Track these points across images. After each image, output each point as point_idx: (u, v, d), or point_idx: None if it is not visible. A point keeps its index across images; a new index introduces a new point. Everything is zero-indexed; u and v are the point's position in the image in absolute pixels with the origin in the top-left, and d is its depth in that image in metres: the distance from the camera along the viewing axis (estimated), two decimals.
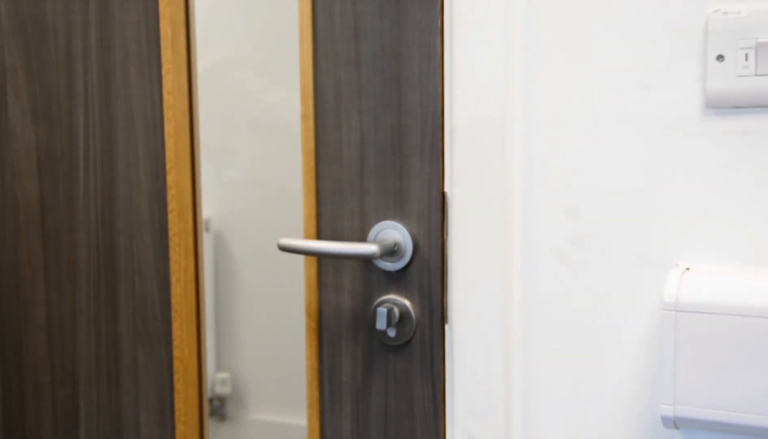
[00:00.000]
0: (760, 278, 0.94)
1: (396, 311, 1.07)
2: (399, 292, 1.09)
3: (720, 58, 0.97)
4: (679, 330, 0.93)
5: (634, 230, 1.01)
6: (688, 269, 0.98)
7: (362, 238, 1.10)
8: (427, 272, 1.07)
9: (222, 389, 2.54)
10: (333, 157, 1.11)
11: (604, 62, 1.02)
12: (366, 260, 1.09)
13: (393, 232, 1.07)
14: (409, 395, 1.11)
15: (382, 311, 1.06)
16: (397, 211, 1.08)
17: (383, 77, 1.07)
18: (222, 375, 2.54)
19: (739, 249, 0.97)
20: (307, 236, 1.13)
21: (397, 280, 1.09)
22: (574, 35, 1.03)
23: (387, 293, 1.10)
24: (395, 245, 1.06)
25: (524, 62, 1.05)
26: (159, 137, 1.21)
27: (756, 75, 0.95)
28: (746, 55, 0.95)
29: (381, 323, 1.06)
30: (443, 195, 1.06)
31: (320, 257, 1.10)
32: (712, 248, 0.98)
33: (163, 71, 1.19)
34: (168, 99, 1.20)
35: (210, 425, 2.59)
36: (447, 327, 1.10)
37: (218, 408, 2.58)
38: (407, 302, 1.09)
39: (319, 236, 1.13)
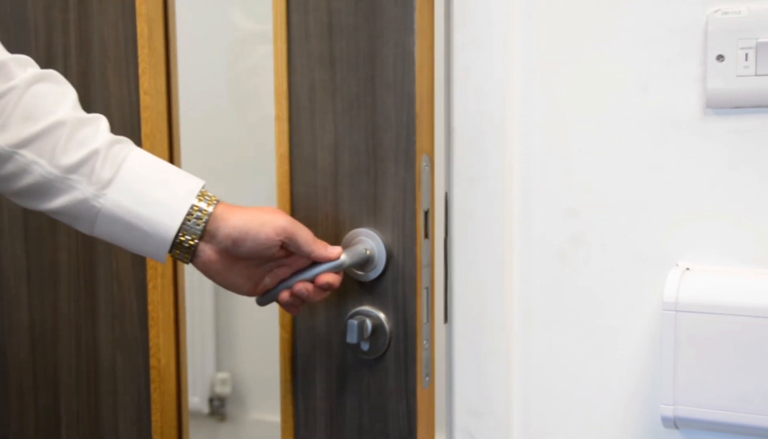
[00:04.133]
0: (760, 278, 0.94)
1: (368, 323, 1.02)
2: (373, 303, 1.04)
3: (720, 58, 0.97)
4: (679, 330, 0.93)
5: (634, 229, 1.01)
6: (688, 269, 0.98)
7: (336, 245, 1.05)
8: (401, 283, 1.02)
9: (222, 389, 2.52)
10: (307, 161, 1.06)
11: (604, 62, 1.02)
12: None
13: (366, 240, 1.02)
14: (384, 413, 1.05)
15: (352, 323, 1.00)
16: (372, 218, 1.03)
17: (357, 77, 1.02)
18: (222, 375, 2.52)
19: (739, 249, 0.97)
20: None
21: (370, 291, 1.04)
22: (573, 35, 1.03)
23: (361, 304, 1.04)
24: (367, 253, 1.01)
25: (524, 62, 1.05)
26: (136, 139, 1.17)
27: (756, 75, 0.95)
28: (746, 55, 0.95)
29: (351, 337, 1.00)
30: (418, 200, 1.00)
31: None
32: (712, 247, 0.98)
33: (140, 71, 1.16)
34: (145, 99, 1.16)
35: (210, 424, 2.59)
36: (447, 327, 1.10)
37: (218, 408, 2.56)
38: (381, 315, 1.03)
39: None
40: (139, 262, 1.20)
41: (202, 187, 0.93)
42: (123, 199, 0.89)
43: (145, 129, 1.16)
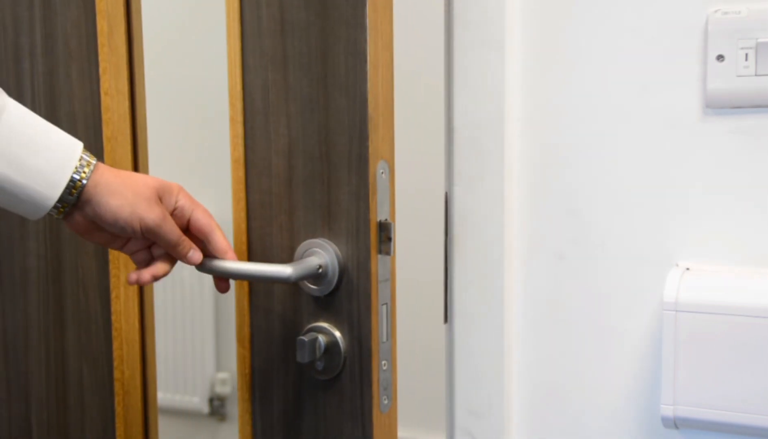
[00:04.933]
0: (760, 278, 0.94)
1: (321, 341, 0.95)
2: (329, 320, 0.97)
3: (720, 58, 0.96)
4: (679, 330, 0.94)
5: (634, 229, 1.01)
6: (688, 269, 0.98)
7: (291, 257, 0.98)
8: (356, 299, 0.94)
9: (222, 389, 2.53)
10: (262, 167, 0.99)
11: (604, 62, 1.02)
12: (289, 284, 0.96)
13: (320, 252, 0.95)
14: (340, 438, 0.98)
15: (302, 340, 0.93)
16: (326, 228, 0.95)
17: (310, 77, 0.94)
18: (222, 375, 2.53)
19: (738, 249, 0.97)
20: (237, 253, 1.02)
21: (325, 306, 0.96)
22: (573, 35, 1.03)
23: (317, 320, 0.97)
24: (319, 267, 0.94)
25: (524, 62, 1.05)
26: (99, 142, 1.12)
27: (756, 75, 0.94)
28: (746, 55, 0.94)
29: (301, 355, 0.93)
30: (372, 210, 0.93)
31: (233, 278, 0.98)
32: (711, 247, 0.98)
33: (100, 70, 1.10)
34: (105, 100, 1.10)
35: (210, 424, 2.57)
36: (447, 327, 1.10)
37: (218, 408, 2.57)
38: (337, 332, 0.96)
39: (250, 252, 1.02)
40: (103, 269, 1.15)
41: (81, 149, 0.88)
42: None
43: (106, 131, 1.11)
